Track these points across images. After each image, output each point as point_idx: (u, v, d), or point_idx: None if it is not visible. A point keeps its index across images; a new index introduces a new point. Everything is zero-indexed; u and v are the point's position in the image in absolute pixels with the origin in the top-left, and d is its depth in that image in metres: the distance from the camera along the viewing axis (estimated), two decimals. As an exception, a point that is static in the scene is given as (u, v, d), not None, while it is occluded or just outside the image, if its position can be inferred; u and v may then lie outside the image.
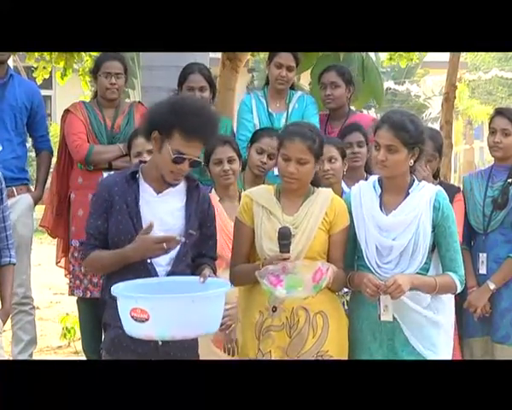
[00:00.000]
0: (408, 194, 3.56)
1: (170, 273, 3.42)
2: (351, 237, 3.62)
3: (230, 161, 4.31)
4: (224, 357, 4.02)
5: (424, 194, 3.55)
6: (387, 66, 11.19)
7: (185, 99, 3.49)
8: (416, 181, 3.59)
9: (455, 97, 8.51)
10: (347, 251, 3.65)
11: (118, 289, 3.20)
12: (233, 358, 3.93)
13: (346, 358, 3.72)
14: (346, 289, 4.26)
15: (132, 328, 3.11)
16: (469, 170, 23.87)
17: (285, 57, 4.94)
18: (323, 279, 3.39)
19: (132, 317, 3.06)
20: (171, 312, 3.08)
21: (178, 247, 3.43)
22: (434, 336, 3.56)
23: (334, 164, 4.36)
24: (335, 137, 4.68)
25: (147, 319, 3.04)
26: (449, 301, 3.68)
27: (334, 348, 3.61)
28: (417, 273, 3.51)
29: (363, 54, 7.04)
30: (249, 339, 3.59)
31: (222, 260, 4.17)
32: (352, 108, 5.64)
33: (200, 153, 3.43)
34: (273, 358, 3.56)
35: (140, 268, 3.36)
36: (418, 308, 3.51)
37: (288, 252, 3.42)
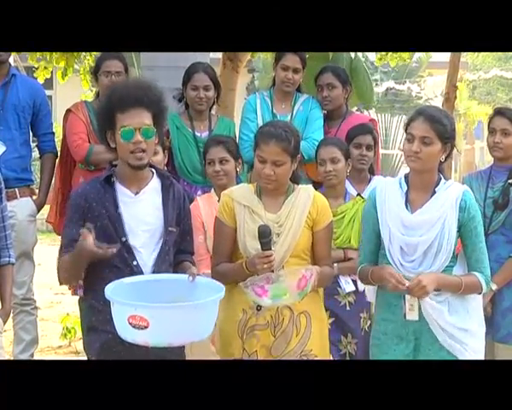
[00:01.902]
0: (434, 192, 3.54)
1: (154, 273, 3.42)
2: (375, 234, 3.61)
3: (222, 161, 4.31)
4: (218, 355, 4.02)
5: (451, 193, 3.52)
6: (386, 65, 11.18)
7: (113, 85, 3.52)
8: (443, 180, 3.57)
9: (455, 98, 8.50)
10: (371, 248, 3.64)
11: (109, 291, 3.17)
12: (222, 357, 3.93)
13: (329, 357, 3.77)
14: (348, 290, 4.26)
15: (128, 334, 3.10)
16: (470, 170, 23.89)
17: (291, 59, 4.94)
18: (308, 285, 3.41)
19: (130, 324, 3.05)
20: (171, 321, 3.08)
21: (160, 246, 3.45)
22: (465, 339, 3.54)
23: (336, 165, 4.35)
24: (338, 138, 4.67)
25: (146, 327, 3.04)
26: (473, 300, 3.63)
27: (317, 347, 3.63)
28: (442, 272, 3.49)
29: (352, 55, 7.03)
30: (233, 338, 3.60)
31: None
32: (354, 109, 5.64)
33: (146, 120, 3.37)
34: (259, 358, 3.57)
35: (126, 270, 3.36)
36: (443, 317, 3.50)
37: (270, 249, 3.43)
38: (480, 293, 3.60)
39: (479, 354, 3.60)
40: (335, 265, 4.09)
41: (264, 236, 3.42)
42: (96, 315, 3.41)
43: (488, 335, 4.34)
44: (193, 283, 3.33)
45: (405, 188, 3.58)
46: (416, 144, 3.45)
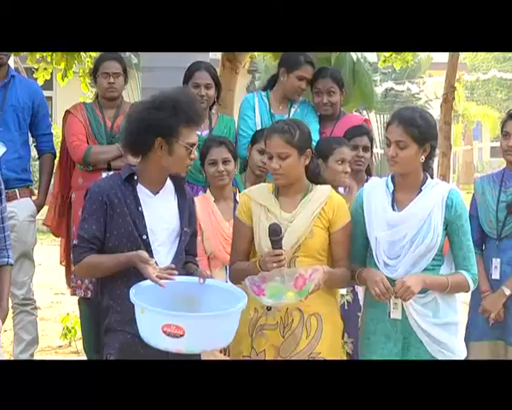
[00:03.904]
0: (421, 191, 3.54)
1: None
2: (362, 233, 3.61)
3: (225, 162, 4.32)
4: (221, 357, 4.03)
5: (436, 191, 3.53)
6: (387, 67, 11.19)
7: (178, 95, 3.49)
8: (429, 178, 3.57)
9: (453, 98, 8.52)
10: (358, 248, 3.64)
11: (134, 297, 3.19)
12: (229, 358, 3.94)
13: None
14: (344, 290, 4.27)
15: (161, 342, 3.12)
16: (468, 170, 23.92)
17: (309, 71, 4.98)
18: (308, 284, 3.40)
19: (165, 332, 3.07)
20: (207, 328, 3.14)
21: (177, 245, 3.49)
22: (448, 338, 3.55)
23: (349, 167, 4.39)
24: (345, 139, 4.67)
25: (182, 335, 3.07)
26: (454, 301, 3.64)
27: (327, 350, 3.62)
28: (429, 270, 3.50)
29: (355, 57, 7.05)
30: (243, 336, 3.59)
31: (217, 260, 4.20)
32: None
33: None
34: (267, 357, 3.57)
35: None
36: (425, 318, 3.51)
37: (280, 248, 3.44)
38: (467, 291, 3.62)
39: (461, 355, 3.61)
40: None
41: (275, 234, 3.44)
42: (114, 316, 3.42)
43: (502, 339, 4.35)
44: (203, 285, 3.39)
45: (392, 188, 3.59)
46: (392, 149, 3.47)
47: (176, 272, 3.32)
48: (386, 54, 8.12)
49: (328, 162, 4.34)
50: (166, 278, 3.25)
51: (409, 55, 8.35)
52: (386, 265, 3.52)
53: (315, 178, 3.68)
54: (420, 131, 3.46)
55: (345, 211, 3.65)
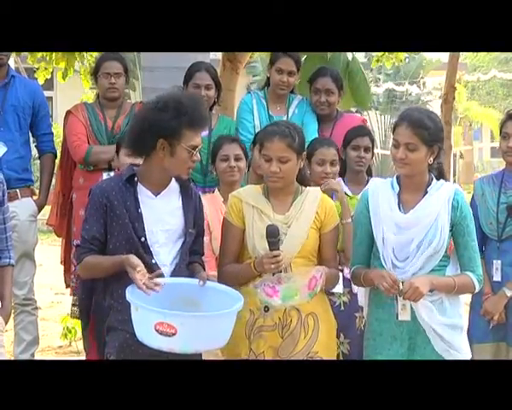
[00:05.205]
0: (426, 192, 3.54)
1: (173, 273, 3.45)
2: (367, 235, 3.60)
3: (237, 158, 4.35)
4: (221, 356, 4.02)
5: (442, 192, 3.52)
6: (390, 67, 11.20)
7: (182, 97, 3.49)
8: (435, 179, 3.56)
9: (454, 99, 8.51)
10: (363, 250, 3.63)
11: (130, 295, 3.19)
12: (228, 358, 3.94)
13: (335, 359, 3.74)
14: (340, 290, 4.25)
15: (153, 340, 3.12)
16: (468, 170, 23.91)
17: (286, 62, 4.96)
18: (318, 285, 3.42)
19: (157, 330, 3.07)
20: (199, 328, 3.13)
21: (180, 245, 3.48)
22: (455, 338, 3.55)
23: (335, 167, 4.37)
24: (332, 140, 4.67)
25: (174, 334, 3.07)
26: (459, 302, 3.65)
27: (324, 349, 3.63)
28: (435, 271, 3.50)
29: (350, 57, 7.05)
30: (240, 338, 3.58)
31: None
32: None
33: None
34: (266, 358, 3.56)
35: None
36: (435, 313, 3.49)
37: (278, 249, 3.44)
38: (473, 292, 3.62)
39: (467, 356, 3.61)
40: None
41: (273, 235, 3.44)
42: (115, 315, 3.43)
43: (504, 341, 4.35)
44: (203, 287, 3.39)
45: (397, 189, 3.58)
46: (401, 151, 3.45)
47: (162, 283, 3.27)
48: (379, 53, 8.11)
49: (311, 164, 4.35)
50: (152, 288, 3.22)
51: (401, 55, 8.34)
52: (394, 266, 3.50)
53: (301, 179, 3.69)
54: (429, 133, 3.45)
55: (335, 213, 3.68)
